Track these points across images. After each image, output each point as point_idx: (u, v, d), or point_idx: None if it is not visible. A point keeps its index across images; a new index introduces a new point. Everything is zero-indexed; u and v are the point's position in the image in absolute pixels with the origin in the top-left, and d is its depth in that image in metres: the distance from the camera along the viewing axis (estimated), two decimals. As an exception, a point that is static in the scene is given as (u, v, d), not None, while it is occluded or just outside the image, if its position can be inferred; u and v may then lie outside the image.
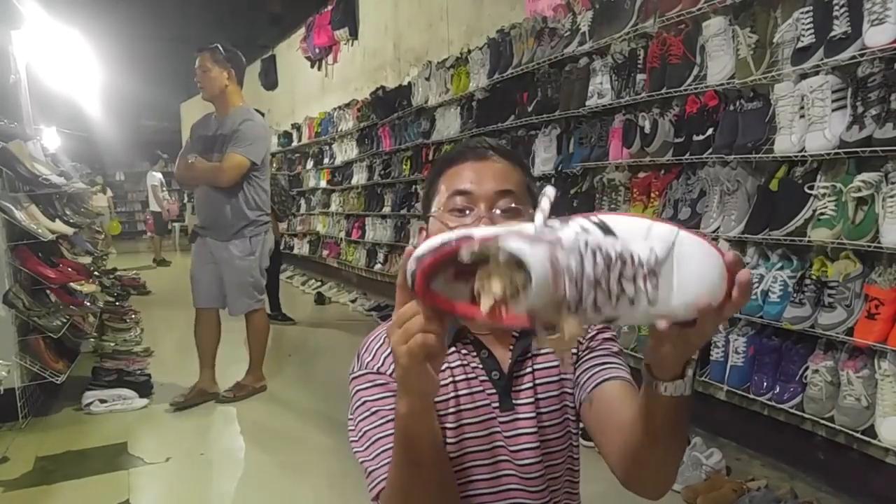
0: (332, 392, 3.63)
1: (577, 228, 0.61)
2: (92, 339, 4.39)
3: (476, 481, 0.97)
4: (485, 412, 0.99)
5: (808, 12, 2.21)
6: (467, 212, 0.96)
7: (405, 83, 5.56)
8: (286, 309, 5.87)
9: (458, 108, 4.65)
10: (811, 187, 2.27)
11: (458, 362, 1.01)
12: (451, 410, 0.98)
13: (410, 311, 0.68)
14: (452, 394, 0.99)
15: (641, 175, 3.04)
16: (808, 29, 2.21)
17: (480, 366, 1.01)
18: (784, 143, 2.30)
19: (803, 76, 2.26)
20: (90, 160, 13.63)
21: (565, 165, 3.50)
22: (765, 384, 2.43)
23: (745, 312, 2.42)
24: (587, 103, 3.27)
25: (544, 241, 0.59)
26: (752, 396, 2.48)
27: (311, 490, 2.67)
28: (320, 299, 6.80)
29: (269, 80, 9.75)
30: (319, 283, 7.61)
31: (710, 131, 2.61)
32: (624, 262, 0.60)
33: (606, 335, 1.04)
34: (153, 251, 11.33)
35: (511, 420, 0.99)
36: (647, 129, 2.87)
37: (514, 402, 1.00)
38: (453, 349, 1.01)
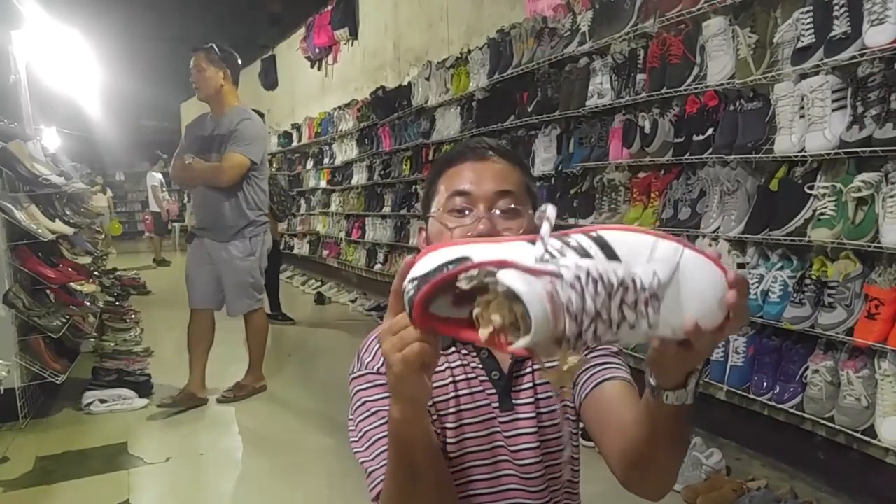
0: (332, 392, 3.62)
1: (576, 258, 0.60)
2: (92, 339, 4.40)
3: (476, 481, 0.97)
4: (485, 412, 0.99)
5: (808, 12, 2.21)
6: (466, 212, 0.95)
7: (405, 83, 5.56)
8: (286, 309, 5.87)
9: (458, 108, 4.65)
10: (811, 187, 2.26)
11: (458, 362, 1.01)
12: (451, 410, 0.98)
13: (405, 320, 0.68)
14: (452, 394, 0.99)
15: (641, 175, 3.04)
16: (808, 29, 2.20)
17: (480, 366, 1.01)
18: (784, 143, 2.30)
19: (803, 76, 2.26)
20: (90, 160, 13.63)
21: (565, 165, 3.49)
22: (765, 384, 2.42)
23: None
24: (587, 103, 3.27)
25: (543, 273, 0.58)
26: (752, 396, 2.48)
27: (312, 490, 2.67)
28: (320, 299, 6.80)
29: (269, 80, 9.75)
30: (319, 283, 7.61)
31: (710, 131, 2.61)
32: (626, 289, 0.59)
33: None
34: (153, 251, 11.33)
35: (511, 420, 0.99)
36: (647, 129, 2.87)
37: (514, 402, 1.00)
38: (453, 349, 1.01)
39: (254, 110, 3.84)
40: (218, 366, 3.72)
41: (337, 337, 5.39)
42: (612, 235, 0.62)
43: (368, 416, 0.95)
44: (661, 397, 0.74)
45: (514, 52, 3.90)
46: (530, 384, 1.01)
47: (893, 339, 2.00)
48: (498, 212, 0.95)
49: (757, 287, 2.42)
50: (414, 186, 5.57)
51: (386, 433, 0.90)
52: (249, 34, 9.34)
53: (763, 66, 2.41)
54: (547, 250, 0.60)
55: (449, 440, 0.97)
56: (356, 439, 0.97)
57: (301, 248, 8.70)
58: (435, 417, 0.97)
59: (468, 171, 0.98)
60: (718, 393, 2.68)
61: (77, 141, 10.77)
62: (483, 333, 0.62)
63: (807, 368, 2.28)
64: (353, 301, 6.48)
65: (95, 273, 5.24)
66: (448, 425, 0.97)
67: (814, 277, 2.25)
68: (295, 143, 8.91)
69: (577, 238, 0.62)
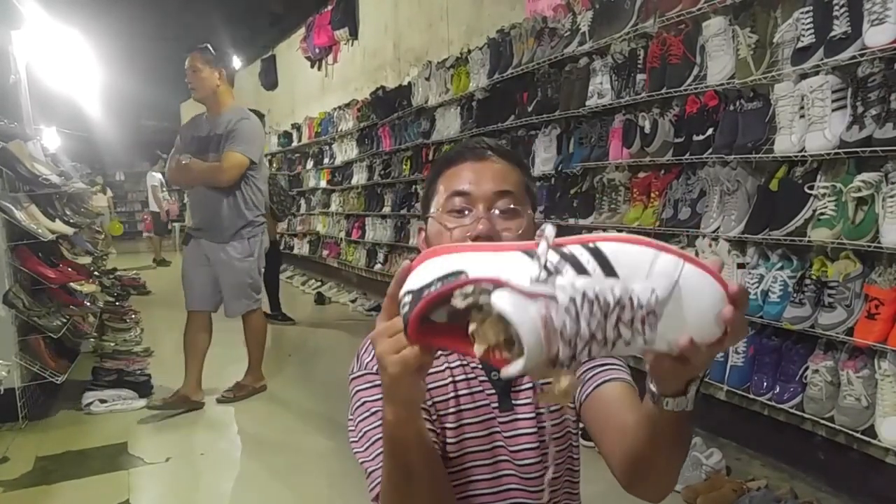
0: (332, 392, 3.62)
1: (573, 275, 0.58)
2: (92, 339, 4.39)
3: (476, 481, 0.97)
4: (485, 412, 0.99)
5: (808, 12, 2.21)
6: (466, 212, 0.96)
7: (405, 83, 5.56)
8: (286, 309, 5.87)
9: (458, 108, 4.65)
10: (811, 187, 2.26)
11: (458, 362, 1.01)
12: (451, 410, 0.98)
13: (401, 323, 0.67)
14: (452, 394, 0.99)
15: (641, 175, 3.04)
16: (808, 29, 2.20)
17: (480, 366, 1.01)
18: (784, 143, 2.30)
19: (803, 76, 2.26)
20: (90, 160, 13.63)
21: (565, 165, 3.49)
22: (765, 384, 2.42)
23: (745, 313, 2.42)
24: (587, 103, 3.27)
25: (537, 297, 0.57)
26: (752, 396, 2.48)
27: (311, 490, 2.67)
28: (320, 299, 6.80)
29: (269, 80, 9.75)
30: (319, 283, 7.61)
31: (710, 131, 2.61)
32: (623, 308, 0.58)
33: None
34: (153, 251, 11.34)
35: (511, 420, 0.99)
36: (647, 129, 2.87)
37: (513, 402, 1.00)
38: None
39: (254, 111, 3.84)
40: (217, 366, 3.72)
41: (337, 337, 5.39)
42: (611, 248, 0.60)
43: (368, 416, 0.95)
44: (662, 404, 0.73)
45: (514, 52, 3.90)
46: (530, 384, 1.00)
47: (893, 339, 2.00)
48: (497, 212, 0.95)
49: (757, 287, 2.42)
50: (414, 186, 5.57)
51: (387, 433, 0.91)
52: (249, 34, 9.35)
53: (763, 66, 2.41)
54: (545, 267, 0.59)
55: (449, 440, 0.97)
56: (356, 439, 0.97)
57: (301, 248, 8.70)
58: (435, 417, 0.97)
59: (467, 172, 0.98)
60: (718, 393, 2.68)
61: (77, 141, 10.79)
62: (478, 349, 0.62)
63: (807, 368, 2.28)
64: (353, 301, 6.48)
65: (95, 273, 5.23)
66: (448, 425, 0.97)
67: (814, 277, 2.25)
68: (295, 143, 8.91)
69: (574, 251, 0.61)
